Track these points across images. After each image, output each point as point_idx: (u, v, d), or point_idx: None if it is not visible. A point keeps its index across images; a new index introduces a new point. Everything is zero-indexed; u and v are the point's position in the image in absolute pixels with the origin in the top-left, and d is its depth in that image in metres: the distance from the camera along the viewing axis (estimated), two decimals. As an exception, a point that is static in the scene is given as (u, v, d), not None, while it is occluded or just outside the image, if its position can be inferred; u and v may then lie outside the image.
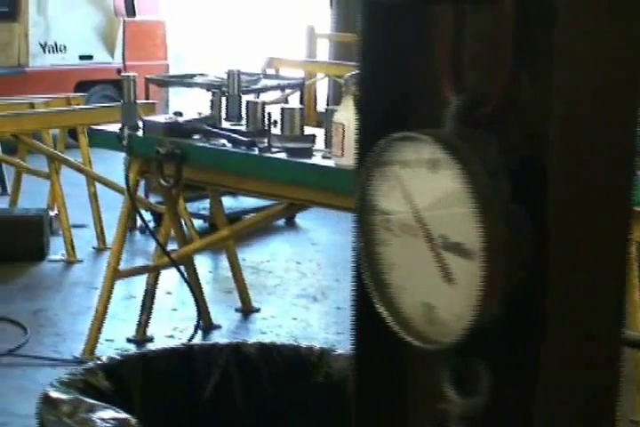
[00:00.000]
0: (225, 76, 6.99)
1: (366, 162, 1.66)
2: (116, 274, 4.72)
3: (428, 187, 1.57)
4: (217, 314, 5.31)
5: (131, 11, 10.60)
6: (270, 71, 8.90)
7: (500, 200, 1.50)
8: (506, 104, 1.54)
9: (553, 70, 1.44)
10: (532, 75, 1.49)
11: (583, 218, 1.46)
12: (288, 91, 8.08)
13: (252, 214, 7.15)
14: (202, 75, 7.15)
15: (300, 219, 7.19)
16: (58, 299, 5.64)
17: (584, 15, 1.39)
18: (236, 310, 5.50)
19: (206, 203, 7.11)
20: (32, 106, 6.30)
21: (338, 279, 6.13)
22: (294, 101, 8.87)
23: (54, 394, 2.08)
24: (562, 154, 1.48)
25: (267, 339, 5.08)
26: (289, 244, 7.01)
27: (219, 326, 5.23)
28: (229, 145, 4.32)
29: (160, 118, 4.58)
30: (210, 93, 7.38)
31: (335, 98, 10.75)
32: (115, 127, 5.06)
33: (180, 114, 4.74)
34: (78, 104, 6.56)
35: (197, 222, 6.55)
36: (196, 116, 4.68)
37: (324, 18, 11.25)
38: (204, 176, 4.48)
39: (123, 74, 4.78)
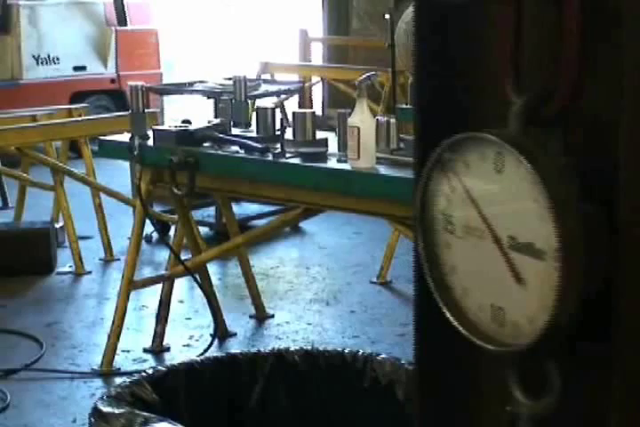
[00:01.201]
0: (224, 83, 7.00)
1: (426, 164, 1.65)
2: (131, 285, 4.70)
3: (493, 187, 1.56)
4: (231, 321, 5.29)
5: (123, 20, 10.57)
6: (265, 76, 8.89)
7: (572, 199, 1.48)
8: (571, 103, 1.53)
9: (621, 68, 1.43)
10: (599, 73, 1.47)
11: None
12: (283, 96, 8.07)
13: (262, 221, 7.16)
14: (201, 82, 7.12)
15: (305, 223, 7.17)
16: (70, 311, 5.61)
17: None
18: (250, 316, 5.48)
19: (211, 210, 7.11)
20: (34, 118, 6.28)
21: (349, 282, 6.12)
22: (290, 106, 8.87)
23: (105, 408, 2.05)
24: (631, 152, 1.46)
25: (283, 345, 5.07)
26: (296, 249, 7.00)
27: (234, 334, 5.21)
28: (242, 152, 4.31)
29: (170, 127, 4.56)
30: (211, 101, 7.42)
31: (331, 101, 10.74)
32: (119, 137, 5.05)
33: (188, 122, 4.72)
34: (80, 115, 6.53)
35: (203, 230, 6.52)
36: (206, 124, 4.66)
37: (316, 21, 11.23)
38: (217, 184, 4.46)
39: (130, 83, 4.75)
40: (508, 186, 1.52)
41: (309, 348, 2.38)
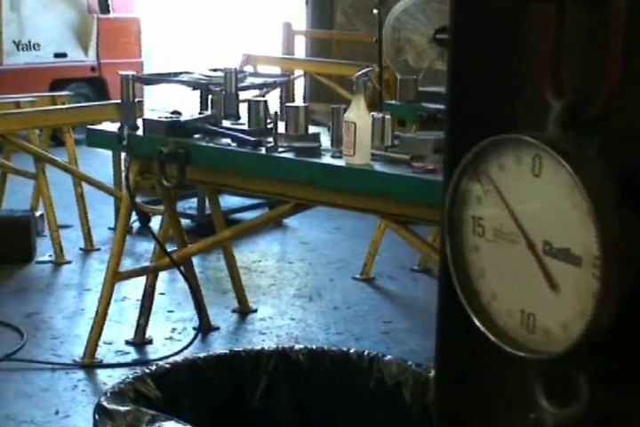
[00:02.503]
0: (210, 74, 6.95)
1: (459, 166, 1.61)
2: (116, 276, 4.64)
3: (529, 191, 1.53)
4: (214, 315, 5.24)
5: (105, 8, 10.48)
6: (247, 68, 8.83)
7: (612, 204, 1.46)
8: (613, 105, 1.50)
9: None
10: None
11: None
12: (265, 89, 8.01)
13: (245, 214, 7.12)
14: (187, 73, 7.06)
15: (287, 218, 7.13)
16: (51, 301, 5.55)
17: None
18: (233, 311, 5.44)
19: (192, 202, 7.05)
20: (18, 105, 6.20)
21: (331, 279, 6.08)
22: (271, 99, 8.81)
23: (110, 406, 2.01)
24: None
25: (266, 340, 5.05)
26: (278, 243, 6.96)
27: (217, 328, 5.16)
28: (234, 145, 4.26)
29: (160, 118, 4.50)
30: (189, 91, 7.36)
31: (312, 95, 10.70)
32: (107, 126, 4.98)
33: (178, 113, 4.67)
34: (64, 103, 6.45)
35: (184, 222, 6.46)
36: (197, 116, 4.61)
37: (299, 14, 11.18)
38: (207, 176, 4.41)
39: (120, 72, 4.68)
40: (546, 190, 1.49)
41: (314, 347, 2.35)
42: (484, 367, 1.75)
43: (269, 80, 7.25)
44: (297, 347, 2.36)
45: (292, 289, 5.89)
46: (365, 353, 2.28)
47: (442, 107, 6.28)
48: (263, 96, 8.27)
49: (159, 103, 10.49)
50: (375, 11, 7.36)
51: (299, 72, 9.86)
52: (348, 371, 2.29)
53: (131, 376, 2.22)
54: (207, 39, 16.33)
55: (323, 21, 10.92)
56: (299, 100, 10.32)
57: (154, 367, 2.24)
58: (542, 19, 1.52)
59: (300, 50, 10.76)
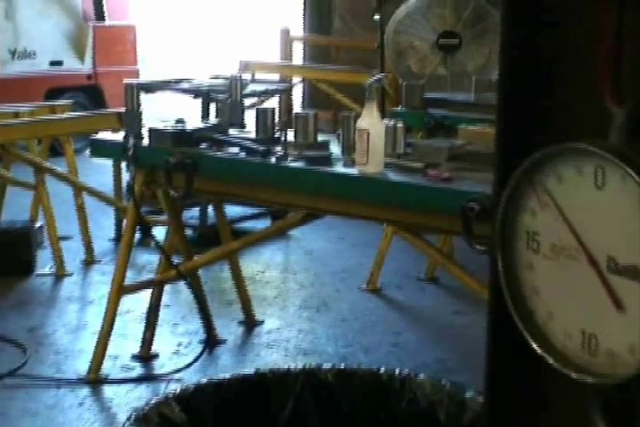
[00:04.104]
0: (211, 82, 6.85)
1: (513, 178, 1.52)
2: (121, 290, 4.54)
3: (590, 204, 1.43)
4: (220, 328, 5.13)
5: (100, 15, 10.39)
6: (245, 75, 8.74)
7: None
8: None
9: None
10: None
11: None
12: (264, 96, 7.92)
13: (246, 224, 7.02)
14: (187, 80, 6.96)
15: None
16: (53, 315, 5.44)
17: None
18: (239, 323, 5.33)
19: (194, 212, 6.94)
20: (17, 115, 6.09)
21: (337, 289, 5.98)
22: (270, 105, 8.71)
23: (134, 433, 1.91)
24: None
25: (275, 353, 4.94)
26: (282, 253, 6.85)
27: (224, 341, 5.05)
28: (242, 154, 4.16)
29: (166, 127, 4.40)
30: (193, 99, 7.26)
31: (311, 101, 10.61)
32: (111, 136, 4.88)
33: (182, 121, 4.57)
34: (63, 112, 6.35)
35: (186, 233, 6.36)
36: (203, 125, 4.51)
37: (297, 21, 11.08)
38: (214, 186, 4.30)
39: (125, 81, 4.59)
40: (610, 202, 1.39)
41: (342, 366, 2.25)
42: (537, 393, 1.65)
43: (271, 87, 7.15)
44: (325, 366, 2.26)
45: (298, 300, 5.79)
46: (397, 373, 2.18)
47: (448, 113, 6.20)
48: (261, 103, 8.19)
49: (157, 112, 10.40)
50: (377, 16, 7.29)
51: (297, 79, 9.77)
52: (378, 391, 2.19)
53: (155, 399, 2.11)
54: (203, 46, 16.24)
55: (320, 27, 10.84)
56: (297, 107, 10.23)
57: (178, 390, 2.14)
58: (601, 24, 1.42)
59: (298, 56, 10.67)
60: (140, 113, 4.46)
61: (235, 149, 4.22)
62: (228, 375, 2.18)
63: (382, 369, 2.21)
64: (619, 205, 1.38)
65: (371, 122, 3.75)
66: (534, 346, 1.51)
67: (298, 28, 10.94)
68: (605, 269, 1.42)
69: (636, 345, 1.40)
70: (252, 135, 4.38)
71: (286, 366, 2.26)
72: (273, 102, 9.21)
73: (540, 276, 1.53)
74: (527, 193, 1.50)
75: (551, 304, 1.51)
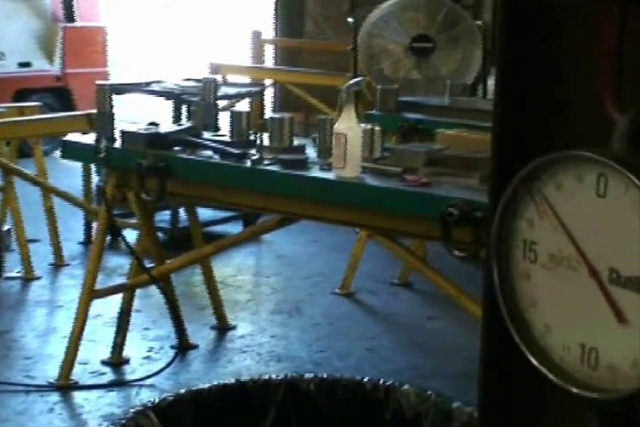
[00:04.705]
0: (183, 84, 6.79)
1: (510, 185, 1.47)
2: (92, 294, 4.46)
3: (592, 212, 1.39)
4: (192, 333, 5.07)
5: (70, 16, 10.28)
6: (216, 78, 8.66)
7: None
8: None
9: None
10: None
11: None
12: (234, 99, 7.86)
13: (217, 227, 6.95)
14: (158, 82, 6.89)
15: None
16: (21, 319, 5.35)
17: None
18: (212, 327, 5.27)
19: (165, 215, 6.87)
20: (-15, 117, 5.99)
21: (310, 294, 5.93)
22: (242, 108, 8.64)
23: (112, 445, 1.85)
24: None
25: (247, 358, 4.88)
26: (254, 257, 6.79)
27: (196, 346, 4.99)
28: (217, 157, 4.10)
29: (139, 129, 4.33)
30: (163, 101, 7.19)
31: (282, 103, 10.55)
32: (82, 138, 4.81)
33: (155, 124, 4.51)
34: (32, 114, 6.25)
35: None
36: (177, 127, 4.45)
37: (268, 23, 11.02)
38: (188, 190, 4.24)
39: (97, 82, 4.51)
40: (612, 211, 1.35)
41: (325, 376, 2.20)
42: (534, 407, 1.61)
43: (243, 90, 7.09)
44: (307, 376, 2.21)
45: (271, 305, 5.73)
46: (381, 382, 2.13)
47: (422, 117, 6.16)
48: (232, 106, 8.13)
49: (125, 114, 10.30)
50: (350, 19, 7.26)
51: (268, 81, 9.71)
52: (362, 401, 2.14)
53: (132, 411, 2.06)
54: (173, 48, 16.14)
55: (292, 30, 10.79)
56: (268, 110, 10.17)
57: (156, 400, 2.08)
58: (601, 27, 1.39)
59: (270, 59, 10.61)
60: (113, 115, 4.39)
61: (209, 153, 4.16)
62: (207, 385, 2.13)
63: (366, 379, 2.17)
64: (621, 213, 1.34)
65: (348, 125, 3.71)
66: (532, 360, 1.47)
67: (269, 31, 10.88)
68: (607, 281, 1.38)
69: (639, 359, 1.36)
70: (227, 138, 4.33)
71: (267, 376, 2.21)
72: (243, 105, 9.16)
73: (537, 287, 1.49)
74: (525, 201, 1.45)
75: (548, 316, 1.47)
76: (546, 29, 1.47)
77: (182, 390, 2.13)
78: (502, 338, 1.53)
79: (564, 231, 1.42)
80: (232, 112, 4.37)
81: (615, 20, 1.37)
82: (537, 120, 1.49)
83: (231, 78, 8.96)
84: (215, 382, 2.16)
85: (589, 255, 1.39)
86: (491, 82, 7.29)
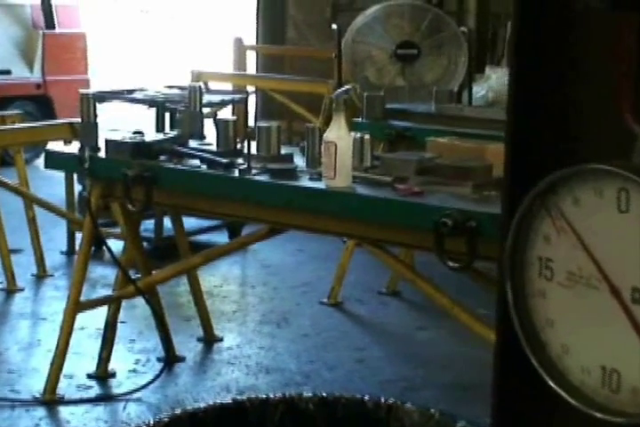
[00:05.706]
0: (166, 92, 6.71)
1: (525, 200, 1.41)
2: (77, 306, 4.38)
3: (612, 229, 1.33)
4: (179, 345, 4.99)
5: (50, 23, 10.19)
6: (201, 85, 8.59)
7: None
8: None
9: None
10: None
11: None
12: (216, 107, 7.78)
13: (201, 236, 6.87)
14: (141, 90, 6.82)
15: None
16: (4, 332, 5.26)
17: None
18: (198, 339, 5.19)
19: (149, 224, 6.79)
20: (-34, 125, 5.91)
21: (298, 303, 5.87)
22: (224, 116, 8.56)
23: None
24: None
25: (236, 371, 4.81)
26: (239, 266, 6.71)
27: (183, 358, 4.91)
28: (204, 166, 4.03)
29: (124, 138, 4.25)
30: (146, 109, 7.11)
31: (265, 111, 10.49)
32: (64, 148, 4.73)
33: (140, 133, 4.43)
34: (14, 122, 6.17)
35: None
36: (163, 136, 4.38)
37: (250, 30, 10.96)
38: (174, 200, 4.17)
39: (81, 91, 4.44)
40: (635, 227, 1.29)
41: (325, 394, 2.14)
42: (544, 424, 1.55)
43: (227, 97, 7.02)
44: (305, 395, 2.14)
45: (258, 315, 5.66)
46: (382, 400, 2.07)
47: (409, 124, 6.09)
48: (215, 114, 8.05)
49: (105, 122, 10.21)
50: (334, 26, 7.20)
51: (251, 88, 9.63)
52: (363, 421, 2.08)
53: (125, 434, 1.98)
54: (154, 56, 16.05)
55: (274, 37, 10.73)
56: (250, 118, 10.10)
57: (152, 422, 2.01)
58: (621, 40, 1.33)
59: (252, 66, 10.55)
60: (96, 124, 4.31)
61: (196, 162, 4.09)
62: (203, 404, 2.06)
63: (367, 397, 2.11)
64: (646, 230, 1.28)
65: (338, 134, 3.64)
66: (549, 382, 1.41)
67: (251, 38, 10.81)
68: (629, 300, 1.32)
69: (665, 382, 1.30)
70: (213, 147, 4.26)
71: (264, 395, 2.14)
72: (226, 113, 9.08)
73: (553, 305, 1.43)
74: (541, 217, 1.40)
75: (566, 337, 1.41)
76: (561, 43, 1.41)
77: (178, 411, 2.07)
78: (516, 359, 1.47)
79: (583, 248, 1.36)
80: (218, 120, 4.30)
81: (634, 34, 1.31)
82: (552, 133, 1.44)
83: (213, 86, 8.89)
84: (211, 402, 2.09)
85: (611, 273, 1.34)
86: (476, 89, 7.24)
